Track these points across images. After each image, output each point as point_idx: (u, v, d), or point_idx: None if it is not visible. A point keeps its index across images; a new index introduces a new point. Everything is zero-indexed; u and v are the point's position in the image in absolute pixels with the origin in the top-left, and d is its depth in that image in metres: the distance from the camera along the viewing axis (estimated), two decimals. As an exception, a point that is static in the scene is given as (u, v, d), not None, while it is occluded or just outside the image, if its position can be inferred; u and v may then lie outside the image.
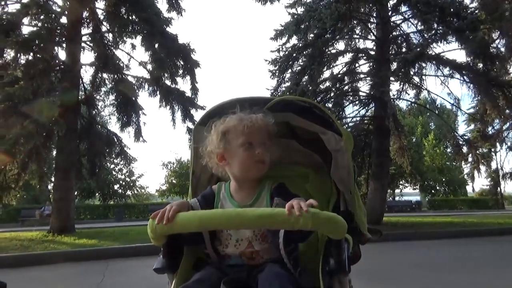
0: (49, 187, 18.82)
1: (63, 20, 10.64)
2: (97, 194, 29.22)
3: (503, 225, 10.21)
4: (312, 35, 10.54)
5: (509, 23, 9.81)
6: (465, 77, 11.01)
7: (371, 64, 11.88)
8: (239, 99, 1.37)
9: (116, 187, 29.87)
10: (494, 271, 4.37)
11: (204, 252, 1.28)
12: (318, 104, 1.43)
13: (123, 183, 30.03)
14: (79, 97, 11.11)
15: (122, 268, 5.46)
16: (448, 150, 29.83)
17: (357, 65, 12.32)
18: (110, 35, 11.58)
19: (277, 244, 1.16)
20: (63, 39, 10.53)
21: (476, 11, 10.18)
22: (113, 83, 11.78)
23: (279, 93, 10.92)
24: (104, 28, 11.55)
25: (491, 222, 11.16)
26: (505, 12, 9.37)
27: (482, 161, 13.79)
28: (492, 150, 15.57)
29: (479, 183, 41.60)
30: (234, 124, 1.28)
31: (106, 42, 11.47)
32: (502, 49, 12.50)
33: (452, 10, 9.37)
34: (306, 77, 10.70)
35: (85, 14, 10.98)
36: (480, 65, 10.96)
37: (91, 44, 11.14)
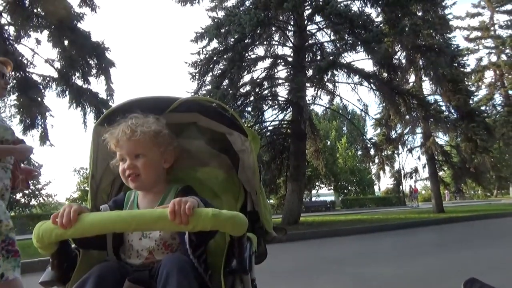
0: None
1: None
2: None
3: (404, 219, 11.30)
4: (232, 40, 10.64)
5: (409, 37, 10.92)
6: (372, 85, 11.98)
7: (288, 70, 12.36)
8: (141, 99, 1.30)
9: (18, 196, 27.00)
10: (396, 262, 4.79)
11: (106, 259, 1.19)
12: (224, 105, 1.43)
13: (27, 191, 27.28)
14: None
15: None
16: (359, 152, 32.23)
17: (276, 70, 12.73)
18: (11, 28, 10.48)
19: (185, 250, 1.11)
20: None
21: (381, 25, 11.16)
22: (14, 81, 10.65)
23: (199, 96, 10.83)
24: (3, 21, 10.41)
25: (394, 217, 12.28)
26: (405, 28, 10.37)
27: (387, 162, 15.15)
28: (395, 152, 17.12)
29: (385, 182, 45.56)
30: (114, 136, 1.24)
31: (6, 36, 10.34)
32: (403, 61, 13.94)
33: (360, 22, 10.10)
34: (226, 80, 10.77)
35: (-20, 3, 9.81)
36: (385, 75, 12.05)
37: (-13, 37, 9.96)
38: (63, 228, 0.94)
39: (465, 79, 15.38)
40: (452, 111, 14.20)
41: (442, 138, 16.28)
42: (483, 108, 22.76)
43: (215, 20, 11.18)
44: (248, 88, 11.29)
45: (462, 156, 14.84)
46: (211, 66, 11.35)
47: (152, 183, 1.26)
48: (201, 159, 1.49)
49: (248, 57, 11.38)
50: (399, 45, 12.77)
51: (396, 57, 13.53)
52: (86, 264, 1.14)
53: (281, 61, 12.50)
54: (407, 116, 13.17)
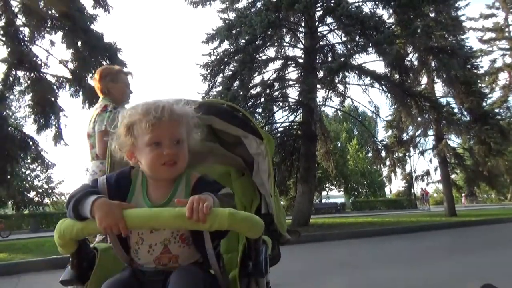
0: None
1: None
2: (9, 202, 26.55)
3: (415, 223, 11.18)
4: (243, 41, 10.67)
5: (421, 39, 10.81)
6: (383, 86, 11.90)
7: (299, 71, 12.34)
8: (165, 100, 1.31)
9: (32, 194, 27.41)
10: (407, 265, 4.74)
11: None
12: (240, 108, 1.44)
13: (40, 190, 27.69)
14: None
15: (35, 283, 5.01)
16: (369, 154, 32.03)
17: (286, 72, 12.73)
18: (26, 29, 10.66)
19: (201, 245, 1.09)
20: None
21: (393, 26, 11.08)
22: (29, 81, 10.83)
23: (210, 98, 10.88)
24: (19, 22, 10.60)
25: (405, 220, 12.15)
26: (417, 29, 10.28)
27: (398, 164, 15.01)
28: (407, 154, 16.95)
29: (396, 185, 45.06)
30: (139, 118, 1.09)
31: (21, 37, 10.52)
32: (415, 62, 13.82)
33: (371, 24, 10.05)
34: (237, 82, 10.81)
35: (-3, 5, 10.00)
36: (396, 76, 11.95)
37: (3, 39, 10.15)
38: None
39: (479, 81, 15.13)
40: (465, 113, 14.00)
41: (454, 141, 16.06)
42: (497, 110, 22.37)
43: (226, 21, 11.23)
44: (258, 89, 11.32)
45: (475, 159, 14.62)
46: (222, 67, 11.39)
47: (176, 175, 1.15)
48: (216, 162, 1.51)
49: (259, 58, 11.41)
50: (411, 47, 12.66)
51: (408, 58, 13.43)
52: (104, 264, 1.15)
53: (292, 62, 12.50)
54: (419, 118, 13.04)
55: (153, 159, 1.09)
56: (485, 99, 14.94)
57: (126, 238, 1.10)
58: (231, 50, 11.12)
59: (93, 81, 2.80)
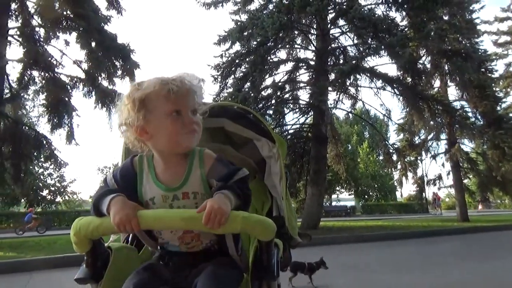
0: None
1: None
2: (22, 200, 27.00)
3: (427, 227, 11.04)
4: (255, 43, 10.70)
5: (434, 42, 10.70)
6: (395, 89, 11.80)
7: (310, 73, 12.32)
8: None
9: (44, 193, 27.84)
10: (417, 271, 4.69)
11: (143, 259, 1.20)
12: (253, 111, 1.44)
13: (53, 188, 28.10)
14: (3, 96, 10.21)
15: (46, 280, 5.08)
16: (380, 158, 31.77)
17: (297, 74, 12.72)
18: (42, 30, 10.84)
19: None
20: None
21: (406, 29, 10.99)
22: (43, 81, 11.00)
23: (221, 99, 10.92)
24: (34, 22, 10.78)
25: (416, 225, 12.02)
26: (431, 32, 10.17)
27: (410, 168, 14.84)
28: (418, 158, 16.76)
29: (407, 189, 44.62)
30: (156, 89, 1.06)
31: (36, 37, 10.70)
32: (428, 66, 13.68)
33: (384, 26, 9.98)
34: (248, 83, 10.82)
35: (13, 6, 10.18)
36: (409, 79, 11.84)
37: (20, 39, 10.33)
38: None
39: (493, 84, 14.92)
40: (479, 117, 13.83)
41: (467, 145, 15.85)
42: (511, 115, 22.01)
43: (238, 23, 11.28)
44: (269, 91, 11.31)
45: (489, 163, 14.40)
46: (233, 69, 11.43)
47: (196, 144, 1.13)
48: None
49: (270, 60, 11.41)
50: (424, 50, 12.54)
51: (421, 61, 13.28)
52: (117, 263, 1.16)
53: (303, 64, 12.49)
54: (432, 122, 12.91)
55: (176, 127, 1.07)
56: (500, 103, 14.71)
57: None
58: (243, 51, 11.15)
59: None
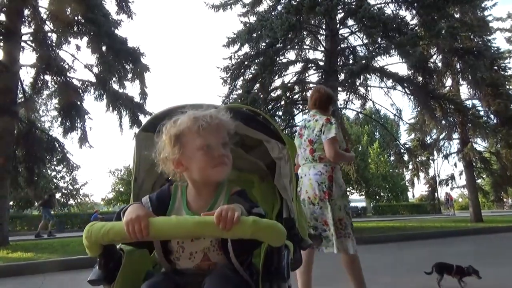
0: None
1: (1, 17, 9.98)
2: (35, 203, 27.37)
3: (439, 228, 10.89)
4: (263, 44, 10.71)
5: (445, 40, 10.58)
6: (406, 89, 11.70)
7: (320, 74, 12.27)
8: (183, 106, 1.31)
9: (57, 196, 28.21)
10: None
11: (154, 261, 1.23)
12: (262, 113, 1.44)
13: (65, 191, 28.45)
14: (18, 100, 10.40)
15: (60, 282, 5.14)
16: (391, 158, 31.49)
17: (306, 75, 12.69)
18: (54, 35, 11.01)
19: (228, 259, 1.13)
20: (0, 37, 9.84)
21: (416, 28, 10.89)
22: (56, 85, 11.18)
23: (230, 101, 10.96)
24: (47, 28, 10.96)
25: (429, 226, 11.86)
26: (442, 30, 10.06)
27: (421, 168, 14.67)
28: (430, 158, 16.57)
29: (419, 189, 44.19)
30: (188, 125, 1.16)
31: (49, 42, 10.87)
32: (439, 64, 13.53)
33: (394, 25, 9.91)
34: (257, 85, 10.84)
35: (26, 12, 10.36)
36: (420, 79, 11.73)
37: (33, 44, 10.51)
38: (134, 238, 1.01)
39: (506, 83, 14.69)
40: (492, 116, 13.63)
41: (480, 144, 15.61)
42: (525, 113, 21.63)
43: (247, 25, 11.30)
44: (279, 92, 11.32)
45: (503, 163, 14.17)
46: (242, 70, 11.46)
47: (227, 175, 1.20)
48: (237, 165, 1.51)
49: (279, 61, 11.42)
50: (435, 48, 12.43)
51: (432, 60, 13.16)
52: (130, 265, 1.18)
53: (313, 65, 12.45)
54: (443, 121, 12.76)
55: (206, 161, 1.15)
56: (513, 102, 14.48)
57: (167, 247, 1.18)
58: (252, 53, 11.17)
59: (317, 94, 3.27)
